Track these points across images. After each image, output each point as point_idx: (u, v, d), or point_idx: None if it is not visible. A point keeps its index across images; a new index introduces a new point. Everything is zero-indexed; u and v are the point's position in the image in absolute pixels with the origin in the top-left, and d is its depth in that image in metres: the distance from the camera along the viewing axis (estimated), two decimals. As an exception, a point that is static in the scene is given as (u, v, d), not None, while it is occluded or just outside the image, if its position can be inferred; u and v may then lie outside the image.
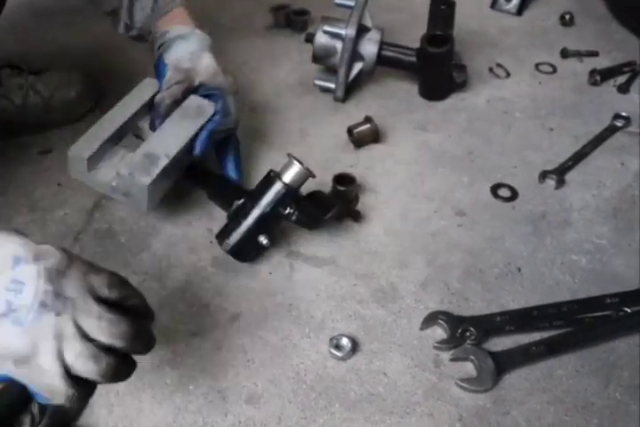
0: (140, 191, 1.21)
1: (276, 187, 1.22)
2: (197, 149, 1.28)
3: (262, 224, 1.25)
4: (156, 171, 1.21)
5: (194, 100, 1.31)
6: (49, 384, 0.77)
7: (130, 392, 1.10)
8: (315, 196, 1.30)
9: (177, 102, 1.30)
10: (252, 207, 1.24)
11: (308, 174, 1.23)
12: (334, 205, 1.28)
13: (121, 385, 1.10)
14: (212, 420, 1.08)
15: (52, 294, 0.76)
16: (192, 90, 1.31)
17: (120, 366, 0.80)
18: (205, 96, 1.31)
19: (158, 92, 1.31)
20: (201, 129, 1.28)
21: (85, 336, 0.77)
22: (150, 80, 1.34)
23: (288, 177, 1.22)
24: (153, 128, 1.29)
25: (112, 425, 1.07)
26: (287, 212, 1.23)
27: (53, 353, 0.75)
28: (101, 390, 1.07)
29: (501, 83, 1.75)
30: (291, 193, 1.23)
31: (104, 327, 0.78)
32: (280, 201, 1.22)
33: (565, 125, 1.63)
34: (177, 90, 1.29)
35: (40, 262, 0.77)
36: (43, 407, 1.03)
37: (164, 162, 1.22)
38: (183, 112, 1.29)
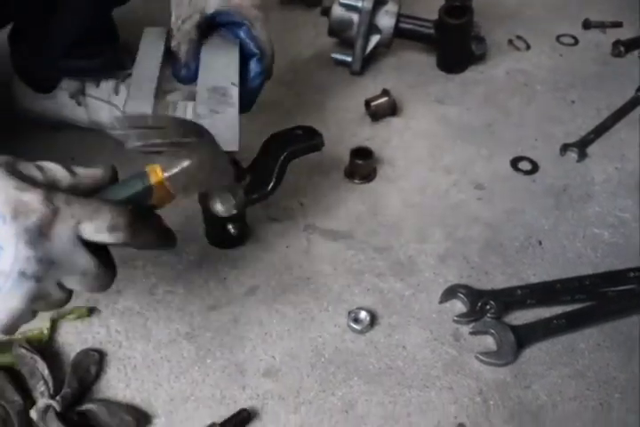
0: (229, 125, 1.05)
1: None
2: (253, 86, 1.14)
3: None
4: (235, 98, 1.08)
5: (217, 33, 1.16)
6: None
7: (147, 366, 1.10)
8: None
9: (197, 42, 1.13)
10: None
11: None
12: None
13: (138, 359, 1.10)
14: (229, 393, 1.07)
15: (33, 260, 0.71)
16: (207, 22, 1.14)
17: None
18: (224, 26, 1.15)
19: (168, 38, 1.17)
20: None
21: (63, 289, 0.77)
22: (150, 29, 1.20)
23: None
24: (179, 78, 1.15)
25: (130, 398, 1.06)
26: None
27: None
28: (119, 364, 1.09)
29: (521, 55, 1.72)
30: None
31: (85, 282, 0.77)
32: None
33: (587, 98, 1.60)
34: (188, 27, 1.11)
35: (19, 221, 0.70)
36: (56, 375, 1.04)
37: (235, 90, 1.09)
38: (212, 44, 1.15)
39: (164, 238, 0.86)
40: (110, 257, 0.84)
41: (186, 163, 0.83)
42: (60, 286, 0.76)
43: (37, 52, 1.35)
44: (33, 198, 0.72)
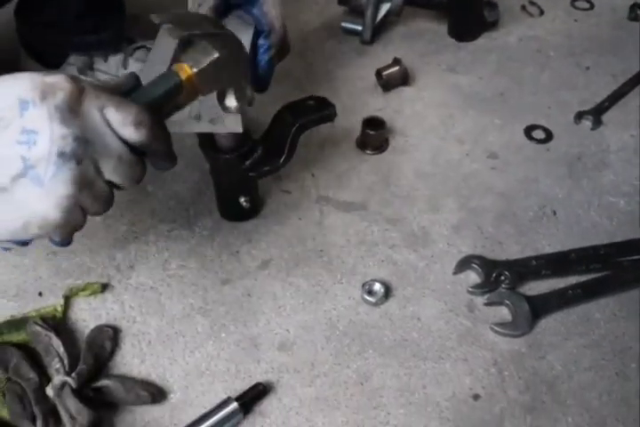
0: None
1: None
2: (264, 67, 1.13)
3: (235, 188, 1.21)
4: None
5: (234, 13, 1.15)
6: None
7: (161, 341, 1.10)
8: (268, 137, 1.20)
9: None
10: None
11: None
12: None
13: (152, 335, 1.11)
14: (244, 367, 1.08)
15: (70, 137, 0.69)
16: (224, 3, 1.11)
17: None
18: (240, 6, 1.14)
19: None
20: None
21: (102, 178, 0.74)
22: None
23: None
24: None
25: (145, 374, 1.06)
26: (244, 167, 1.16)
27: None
28: (133, 340, 1.09)
29: (534, 21, 1.69)
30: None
31: (121, 169, 0.74)
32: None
33: (602, 64, 1.57)
34: (204, 11, 1.09)
35: (49, 101, 0.68)
36: (70, 352, 1.04)
37: None
38: (228, 25, 1.09)
39: (171, 152, 0.84)
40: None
41: (214, 56, 0.84)
42: (99, 172, 0.73)
43: (47, 24, 1.34)
44: (58, 79, 0.70)
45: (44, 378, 1.03)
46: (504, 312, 1.14)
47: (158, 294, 1.16)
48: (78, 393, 1.00)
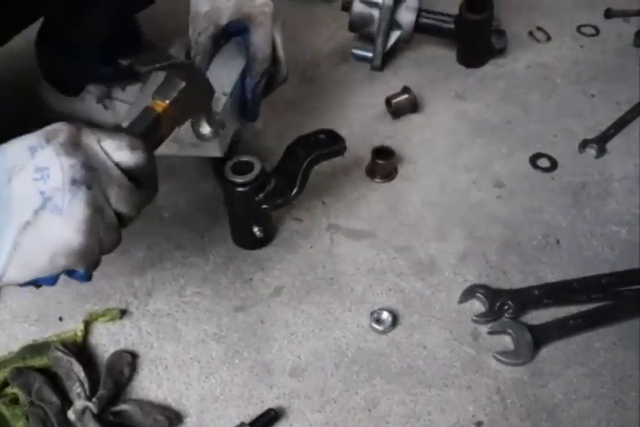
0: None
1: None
2: (249, 96, 1.21)
3: (249, 218, 1.27)
4: (220, 108, 1.14)
5: (233, 41, 1.21)
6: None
7: (177, 367, 1.15)
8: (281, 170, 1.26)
9: (210, 53, 1.16)
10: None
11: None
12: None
13: (169, 360, 1.15)
14: (257, 392, 1.12)
15: (78, 165, 0.77)
16: (222, 32, 1.16)
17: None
18: (239, 33, 1.18)
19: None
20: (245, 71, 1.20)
21: (110, 204, 0.80)
22: (180, 41, 1.23)
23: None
24: None
25: (162, 398, 1.11)
26: (258, 199, 1.22)
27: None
28: (150, 365, 1.14)
29: (542, 47, 1.72)
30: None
31: (123, 197, 0.81)
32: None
33: (608, 91, 1.60)
34: (203, 40, 1.14)
35: (54, 141, 0.77)
36: (90, 376, 1.09)
37: (223, 100, 1.15)
38: (224, 53, 1.20)
39: (157, 181, 0.89)
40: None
41: (181, 85, 0.93)
42: (107, 199, 0.79)
43: (66, 57, 1.38)
44: (58, 125, 0.80)
45: (66, 402, 1.08)
46: (507, 341, 1.18)
47: (174, 320, 1.21)
48: (99, 418, 1.05)
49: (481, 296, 1.22)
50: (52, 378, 1.11)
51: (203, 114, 1.04)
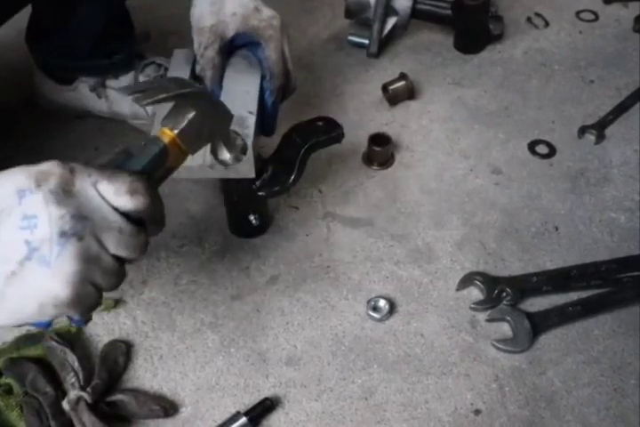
0: (245, 156, 1.09)
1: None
2: (268, 112, 1.19)
3: (245, 206, 1.25)
4: (251, 128, 1.11)
5: (239, 54, 1.20)
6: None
7: (173, 356, 1.14)
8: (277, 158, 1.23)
9: (220, 68, 1.17)
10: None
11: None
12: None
13: (164, 349, 1.14)
14: (253, 382, 1.11)
15: (67, 216, 0.71)
16: (229, 45, 1.17)
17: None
18: (246, 46, 1.19)
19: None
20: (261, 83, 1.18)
21: (107, 251, 0.75)
22: (179, 51, 1.24)
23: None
24: None
25: (157, 388, 1.10)
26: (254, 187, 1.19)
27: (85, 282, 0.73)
28: (145, 354, 1.13)
29: (539, 33, 1.71)
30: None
31: (124, 242, 0.75)
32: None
33: (607, 77, 1.59)
34: (211, 54, 1.14)
35: (43, 187, 0.72)
36: (85, 366, 1.08)
37: (252, 119, 1.12)
38: (235, 68, 1.19)
39: (164, 217, 0.85)
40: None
41: (190, 114, 0.86)
42: (103, 246, 0.74)
43: (57, 56, 1.38)
44: (50, 166, 0.74)
45: (60, 392, 1.07)
46: (505, 328, 1.17)
47: (170, 309, 1.20)
48: (93, 407, 1.04)
49: (479, 284, 1.21)
50: (46, 368, 1.10)
51: (219, 140, 1.00)
